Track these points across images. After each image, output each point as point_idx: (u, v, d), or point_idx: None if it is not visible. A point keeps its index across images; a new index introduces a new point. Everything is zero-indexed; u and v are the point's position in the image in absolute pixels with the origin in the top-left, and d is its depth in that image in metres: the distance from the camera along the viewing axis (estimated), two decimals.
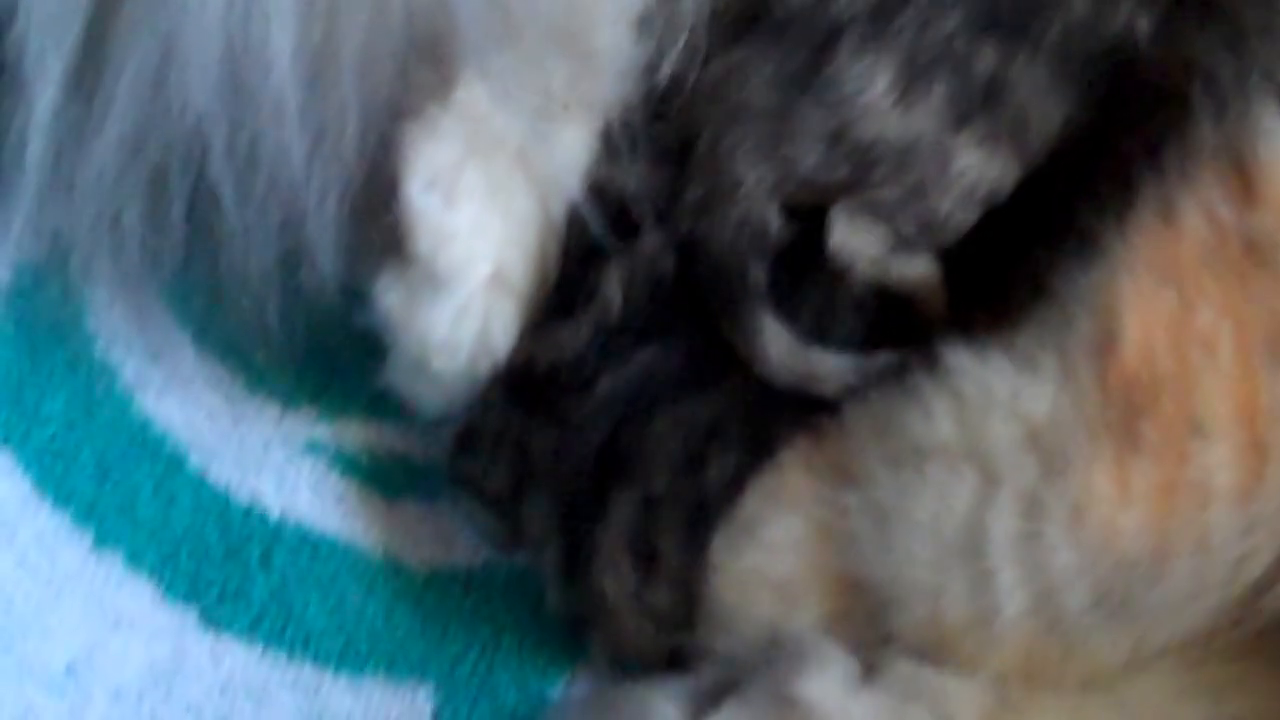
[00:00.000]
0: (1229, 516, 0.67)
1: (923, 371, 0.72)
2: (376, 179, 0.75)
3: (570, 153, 0.76)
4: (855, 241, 0.74)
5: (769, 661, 0.72)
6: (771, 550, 0.72)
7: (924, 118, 0.74)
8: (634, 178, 0.76)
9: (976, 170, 0.74)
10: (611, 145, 0.76)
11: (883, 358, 0.74)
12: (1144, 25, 0.75)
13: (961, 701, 0.70)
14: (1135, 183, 0.71)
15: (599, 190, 0.76)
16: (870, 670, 0.71)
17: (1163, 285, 0.69)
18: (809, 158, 0.74)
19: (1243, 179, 0.70)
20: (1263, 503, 0.67)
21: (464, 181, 0.74)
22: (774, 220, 0.74)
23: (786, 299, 0.74)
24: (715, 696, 0.72)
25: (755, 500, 0.73)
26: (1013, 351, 0.71)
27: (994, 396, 0.70)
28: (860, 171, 0.74)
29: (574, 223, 0.76)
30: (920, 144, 0.74)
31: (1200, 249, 0.69)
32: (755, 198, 0.74)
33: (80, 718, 0.78)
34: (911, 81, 0.74)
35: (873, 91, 0.74)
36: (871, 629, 0.71)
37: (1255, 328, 0.67)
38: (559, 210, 0.76)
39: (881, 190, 0.74)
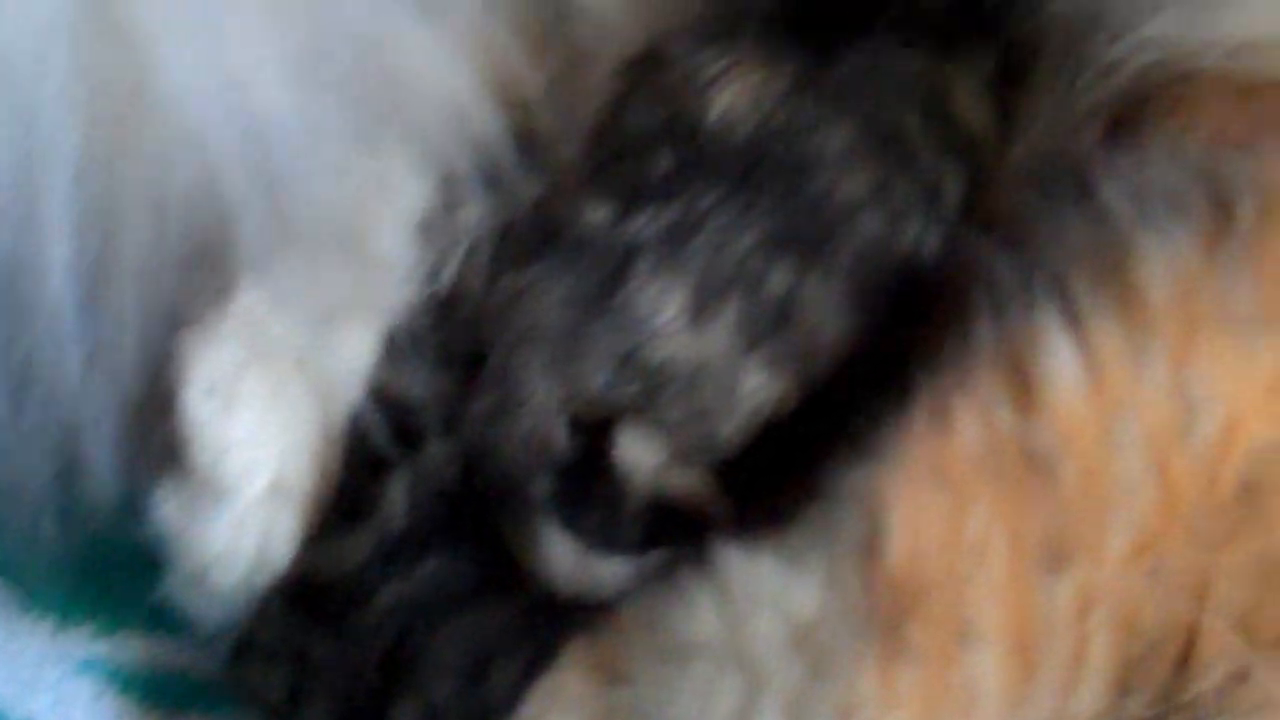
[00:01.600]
0: None
1: (691, 568, 0.73)
2: (155, 389, 0.76)
3: (351, 358, 0.78)
4: (636, 455, 0.76)
5: None
6: None
7: (715, 339, 0.76)
8: (418, 384, 0.78)
9: (763, 392, 0.76)
10: (394, 351, 0.78)
11: (656, 557, 0.75)
12: (933, 241, 0.79)
13: None
14: (912, 386, 0.72)
15: (381, 396, 0.78)
16: None
17: (934, 489, 0.70)
18: (598, 377, 0.76)
19: (1022, 385, 0.71)
20: (1031, 709, 0.68)
21: (243, 389, 0.76)
22: (560, 435, 0.76)
23: (570, 510, 0.76)
24: None
25: (535, 702, 0.74)
26: (782, 549, 0.72)
27: (761, 594, 0.71)
28: (649, 391, 0.76)
29: (357, 430, 0.78)
30: (710, 366, 0.76)
31: (975, 454, 0.70)
32: (543, 413, 0.76)
33: None
34: (703, 304, 0.76)
35: (664, 315, 0.76)
36: None
37: (1029, 535, 0.69)
38: (340, 417, 0.78)
39: (668, 410, 0.76)
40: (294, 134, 0.74)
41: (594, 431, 0.76)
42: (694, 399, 0.76)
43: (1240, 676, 0.67)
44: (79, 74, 0.71)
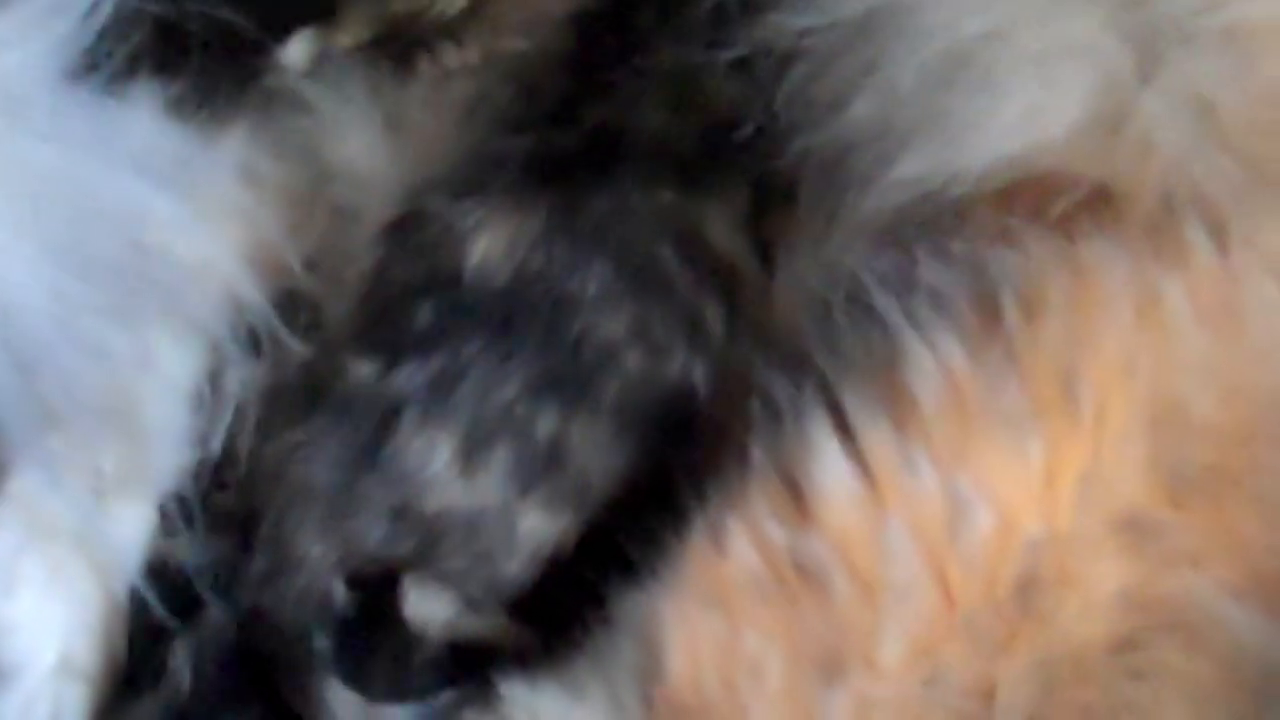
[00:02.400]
0: None
1: (475, 706, 0.74)
2: None
3: (128, 531, 0.79)
4: (426, 609, 0.77)
5: None
6: None
7: (488, 486, 0.77)
8: (194, 550, 0.79)
9: (542, 531, 0.77)
10: (168, 520, 0.79)
11: (445, 696, 0.76)
12: (700, 371, 0.80)
13: None
14: (688, 509, 0.74)
15: (159, 566, 0.79)
16: None
17: (709, 610, 0.71)
18: (373, 533, 0.77)
19: (794, 498, 0.72)
20: None
21: (23, 570, 0.77)
22: (338, 592, 0.77)
23: (355, 665, 0.76)
24: None
25: None
26: (564, 679, 0.73)
27: None
28: (427, 543, 0.77)
29: (137, 601, 0.78)
30: (486, 512, 0.77)
31: (749, 572, 0.71)
32: (318, 572, 0.77)
33: None
34: (473, 452, 0.77)
35: (435, 466, 0.77)
36: None
37: (805, 651, 0.69)
38: (122, 590, 0.78)
39: (450, 560, 0.77)
40: (48, 314, 0.75)
41: (373, 586, 0.77)
42: (474, 546, 0.77)
43: None
44: None
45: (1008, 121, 0.76)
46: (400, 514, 0.77)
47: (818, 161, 0.81)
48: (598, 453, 0.78)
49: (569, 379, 0.78)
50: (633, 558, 0.74)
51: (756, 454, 0.74)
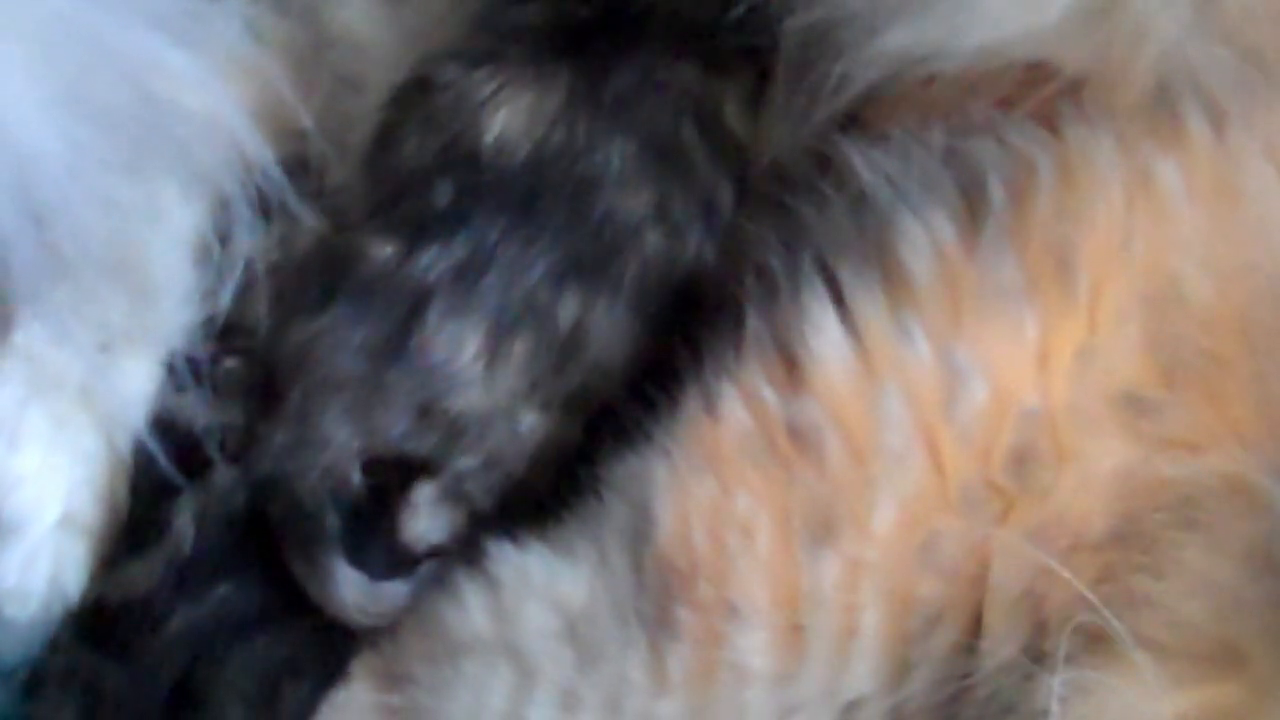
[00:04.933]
0: (767, 699, 0.71)
1: (463, 568, 0.77)
2: None
3: (134, 386, 0.81)
4: (424, 527, 0.79)
5: None
6: None
7: (506, 381, 0.79)
8: (201, 412, 0.81)
9: (546, 428, 0.80)
10: (176, 377, 0.82)
11: (434, 566, 0.79)
12: (710, 251, 0.82)
13: None
14: (682, 375, 0.77)
15: (166, 423, 0.81)
16: None
17: (701, 472, 0.74)
18: (397, 426, 0.79)
19: (788, 366, 0.75)
20: (804, 685, 0.71)
21: (27, 424, 0.80)
22: (355, 476, 0.79)
23: (356, 545, 0.79)
24: None
25: (325, 715, 0.78)
26: (551, 541, 0.76)
27: (530, 584, 0.75)
28: (446, 441, 0.79)
29: (142, 458, 0.81)
30: (499, 409, 0.79)
31: (741, 436, 0.74)
32: (340, 456, 0.79)
33: None
34: (498, 344, 0.79)
35: (461, 360, 0.79)
36: None
37: (796, 513, 0.72)
38: (126, 445, 0.81)
39: (463, 458, 0.79)
40: (60, 164, 0.77)
41: (388, 478, 0.79)
42: (486, 444, 0.79)
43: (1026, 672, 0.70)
44: None
45: (999, 4, 0.78)
46: (424, 411, 0.79)
47: (803, 34, 0.82)
48: (614, 340, 0.80)
49: (590, 262, 0.80)
50: (625, 421, 0.77)
51: (752, 322, 0.77)
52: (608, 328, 0.80)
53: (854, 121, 0.82)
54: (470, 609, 0.76)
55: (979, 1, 0.78)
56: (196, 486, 0.81)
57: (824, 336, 0.75)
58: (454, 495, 0.79)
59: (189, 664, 0.79)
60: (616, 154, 0.82)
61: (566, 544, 0.76)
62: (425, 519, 0.79)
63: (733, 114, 0.84)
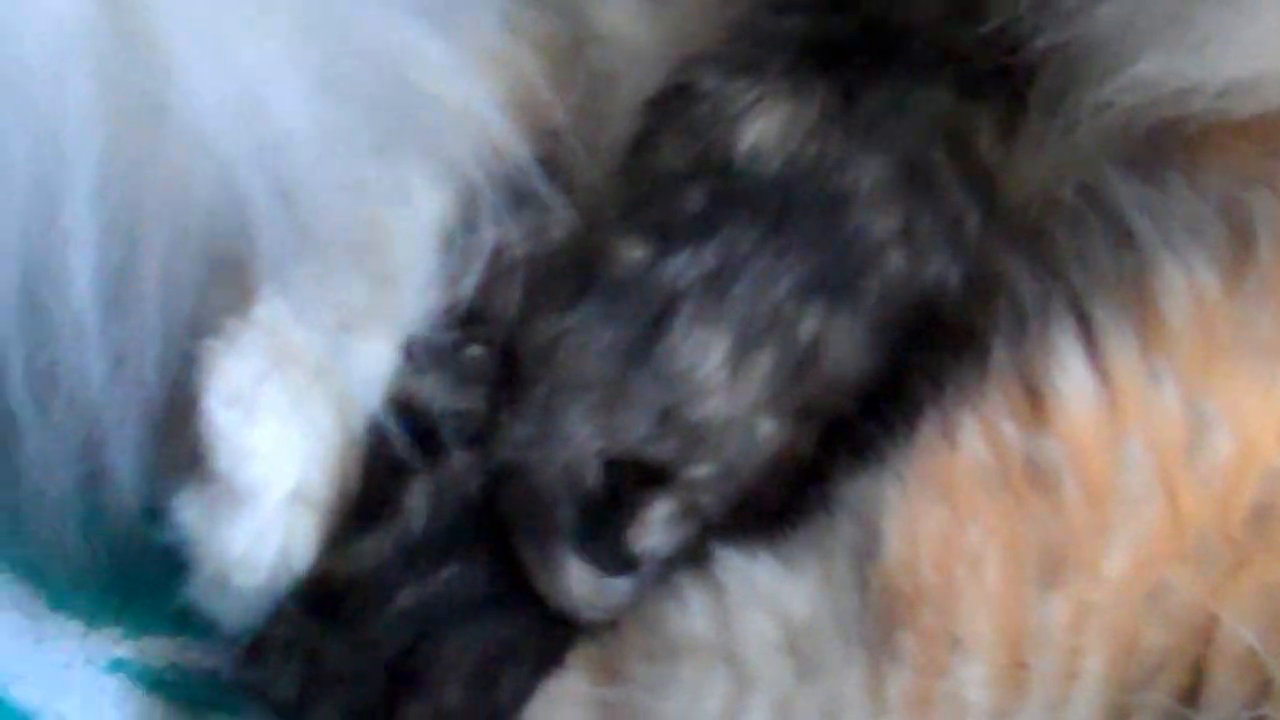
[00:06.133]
0: None
1: (687, 570, 0.78)
2: (177, 396, 0.81)
3: (371, 366, 0.83)
4: (658, 541, 0.81)
5: None
6: None
7: (748, 391, 0.80)
8: (440, 396, 0.83)
9: (782, 437, 0.81)
10: (415, 361, 0.83)
11: (659, 565, 0.80)
12: (954, 276, 0.83)
13: None
14: (922, 400, 0.77)
15: (403, 405, 0.83)
16: None
17: (934, 500, 0.74)
18: (638, 429, 0.80)
19: (1032, 401, 0.75)
20: None
21: (264, 397, 0.82)
22: (594, 474, 0.80)
23: (588, 541, 0.80)
24: None
25: (539, 704, 0.80)
26: (779, 552, 0.77)
27: (754, 594, 0.76)
28: (686, 448, 0.80)
29: (377, 437, 0.83)
30: (738, 419, 0.80)
31: (978, 467, 0.74)
32: (581, 453, 0.80)
33: None
34: (742, 354, 0.80)
35: (706, 368, 0.80)
36: None
37: (1027, 550, 0.73)
38: (359, 424, 0.83)
39: (700, 467, 0.80)
40: (312, 145, 0.79)
41: (624, 474, 0.81)
42: (722, 453, 0.81)
43: None
44: (100, 85, 0.77)
45: (1252, 40, 0.77)
46: (666, 417, 0.80)
47: (1055, 57, 0.82)
48: (850, 356, 0.81)
49: (835, 278, 0.81)
50: (858, 440, 0.78)
51: (998, 353, 0.77)
52: (846, 344, 0.81)
53: (1123, 156, 0.81)
54: (693, 612, 0.78)
55: (1231, 34, 0.78)
56: (430, 468, 0.83)
57: (1071, 375, 0.76)
58: (687, 512, 0.81)
59: (411, 641, 0.81)
60: (867, 173, 0.82)
61: (793, 556, 0.77)
62: (658, 535, 0.81)
63: (985, 139, 0.85)
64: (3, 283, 0.80)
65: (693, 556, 0.80)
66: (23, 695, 0.87)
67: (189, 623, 0.86)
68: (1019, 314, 0.78)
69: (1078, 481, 0.73)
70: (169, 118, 0.78)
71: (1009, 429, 0.75)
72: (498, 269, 0.84)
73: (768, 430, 0.81)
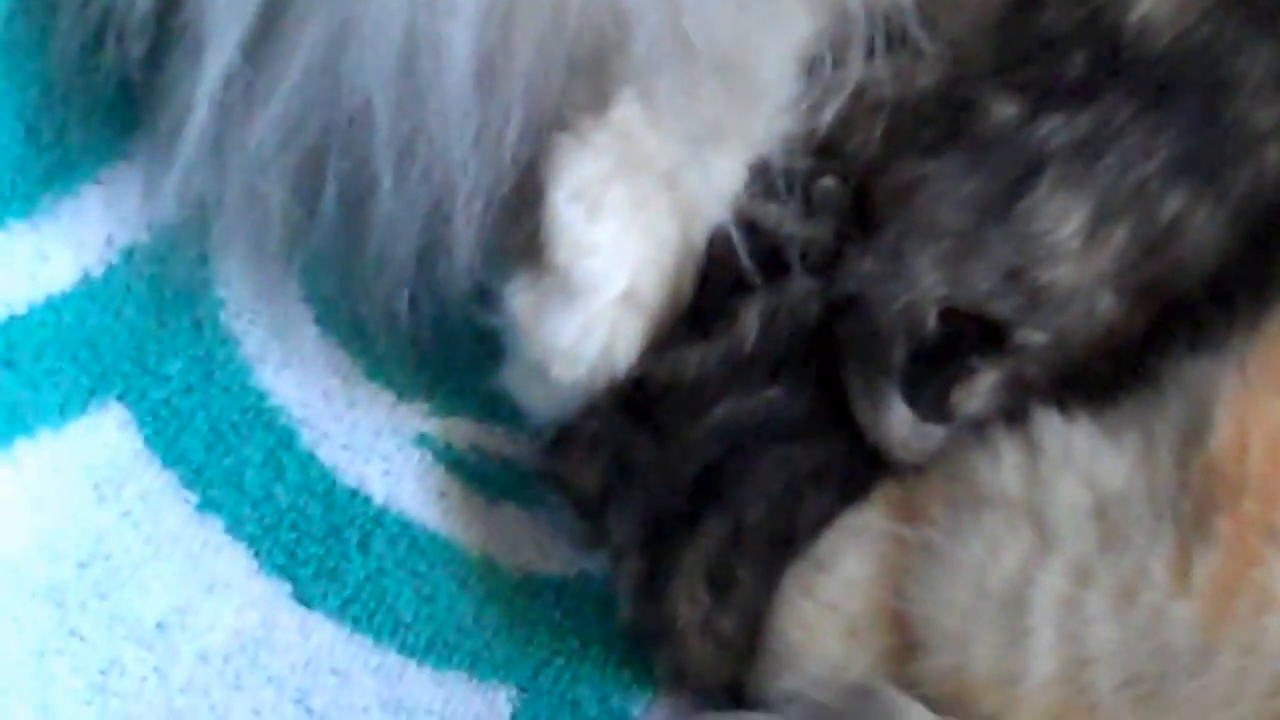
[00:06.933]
0: None
1: (1003, 425, 0.79)
2: (526, 183, 0.83)
3: (720, 181, 0.84)
4: (982, 405, 0.82)
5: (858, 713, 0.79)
6: (842, 586, 0.80)
7: (1099, 264, 0.81)
8: (787, 220, 0.84)
9: (1120, 316, 0.81)
10: (767, 182, 0.84)
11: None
12: None
13: None
14: (1271, 296, 0.78)
15: (749, 224, 0.84)
16: None
17: (1274, 391, 0.75)
18: (984, 283, 0.81)
19: None
20: None
21: (609, 197, 0.83)
22: (932, 320, 0.82)
23: (916, 385, 0.82)
24: None
25: (835, 535, 0.81)
26: (1100, 421, 0.78)
27: (1071, 456, 0.77)
28: (1027, 310, 0.81)
29: (718, 250, 0.84)
30: (1082, 289, 0.81)
31: None
32: (924, 297, 0.81)
33: (165, 673, 0.86)
34: (1099, 224, 0.81)
35: (1062, 233, 0.81)
36: (903, 672, 0.78)
37: None
38: (700, 236, 0.84)
39: (1035, 332, 0.81)
40: None
41: (961, 325, 0.82)
42: (1060, 320, 0.81)
43: None
44: None
45: None
46: (1013, 275, 0.81)
47: None
48: (1206, 244, 0.81)
49: (1206, 164, 0.81)
50: (1201, 322, 0.79)
51: None
52: (1205, 230, 0.81)
53: None
54: (1004, 466, 0.79)
55: None
56: (770, 289, 0.84)
57: None
58: (1013, 382, 0.82)
59: (722, 454, 0.83)
60: (1259, 61, 0.82)
61: (1115, 427, 0.78)
62: (981, 400, 0.82)
63: None
64: (384, 45, 0.82)
65: (1011, 414, 0.81)
66: (328, 455, 0.90)
67: (496, 409, 0.89)
68: None
69: None
70: None
71: None
72: (860, 106, 0.85)
73: (1107, 304, 0.81)
